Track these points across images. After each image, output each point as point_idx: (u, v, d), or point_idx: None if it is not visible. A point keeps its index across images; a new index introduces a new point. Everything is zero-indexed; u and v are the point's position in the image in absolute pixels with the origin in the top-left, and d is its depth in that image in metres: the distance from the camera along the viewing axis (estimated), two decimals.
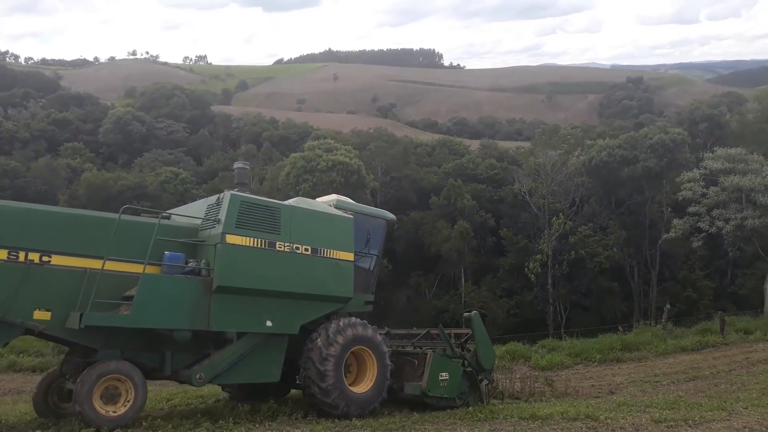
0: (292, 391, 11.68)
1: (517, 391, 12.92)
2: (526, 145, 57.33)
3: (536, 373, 15.89)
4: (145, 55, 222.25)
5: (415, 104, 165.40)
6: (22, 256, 8.01)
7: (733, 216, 31.61)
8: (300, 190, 40.30)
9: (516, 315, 38.67)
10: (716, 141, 44.72)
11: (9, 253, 7.94)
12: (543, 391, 13.68)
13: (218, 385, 10.65)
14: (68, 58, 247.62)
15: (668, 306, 30.08)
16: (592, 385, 16.09)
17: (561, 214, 39.48)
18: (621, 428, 8.60)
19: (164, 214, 9.99)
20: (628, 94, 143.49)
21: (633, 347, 23.22)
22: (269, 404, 9.98)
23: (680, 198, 34.76)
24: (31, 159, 56.96)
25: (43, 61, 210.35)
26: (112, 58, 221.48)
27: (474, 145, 68.83)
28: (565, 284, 38.80)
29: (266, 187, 47.88)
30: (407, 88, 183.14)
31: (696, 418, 9.46)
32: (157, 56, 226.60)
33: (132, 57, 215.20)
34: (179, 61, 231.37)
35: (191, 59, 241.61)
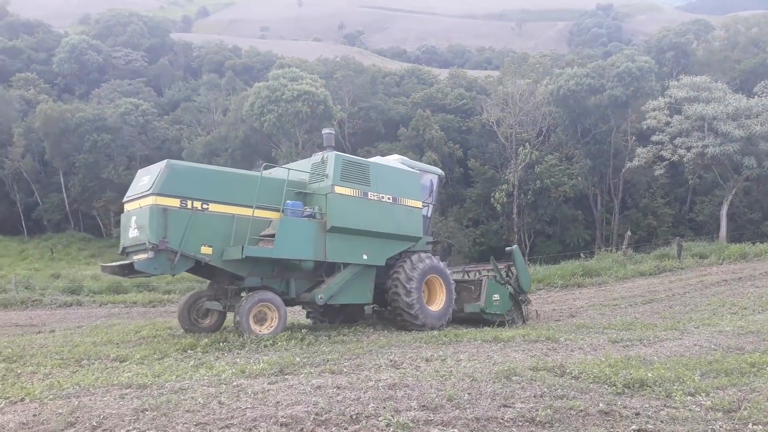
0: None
1: None
2: (495, 74, 56.63)
3: None
4: None
5: (383, 31, 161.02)
6: (189, 203, 10.15)
7: (694, 144, 32.10)
8: (265, 121, 39.49)
9: (482, 244, 39.30)
10: (682, 69, 44.87)
11: (181, 202, 10.06)
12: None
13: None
14: None
15: (629, 233, 30.92)
16: (554, 309, 16.64)
17: (528, 143, 39.65)
18: (579, 348, 8.92)
19: (265, 167, 12.03)
20: (598, 22, 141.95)
21: (594, 273, 23.99)
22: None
23: (645, 127, 35.05)
24: None
25: None
26: None
27: (443, 74, 67.76)
28: (530, 213, 39.42)
29: (230, 119, 46.77)
30: (375, 14, 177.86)
31: (650, 338, 9.90)
32: None
33: None
34: None
35: None
